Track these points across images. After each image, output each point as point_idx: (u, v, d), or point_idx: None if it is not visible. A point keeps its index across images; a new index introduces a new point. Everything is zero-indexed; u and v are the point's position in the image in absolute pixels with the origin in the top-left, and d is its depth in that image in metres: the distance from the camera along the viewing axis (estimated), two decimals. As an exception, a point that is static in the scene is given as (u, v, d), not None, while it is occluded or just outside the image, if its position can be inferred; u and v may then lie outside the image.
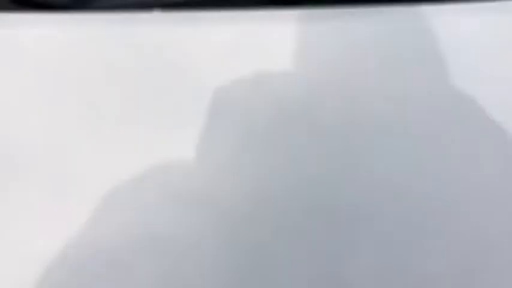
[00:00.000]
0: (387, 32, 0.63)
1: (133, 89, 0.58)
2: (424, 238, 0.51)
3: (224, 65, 0.60)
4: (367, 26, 0.64)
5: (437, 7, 0.64)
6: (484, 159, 0.54)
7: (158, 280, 0.51)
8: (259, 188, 0.54)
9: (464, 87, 0.58)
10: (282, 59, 0.60)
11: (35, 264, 0.51)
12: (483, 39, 0.63)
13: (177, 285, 0.50)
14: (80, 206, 0.54)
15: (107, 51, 0.62)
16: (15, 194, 0.56)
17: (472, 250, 0.50)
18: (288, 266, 0.51)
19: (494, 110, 0.56)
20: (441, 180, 0.54)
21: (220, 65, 0.60)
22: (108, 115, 0.58)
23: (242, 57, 0.61)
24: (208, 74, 0.59)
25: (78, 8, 0.64)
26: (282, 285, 0.50)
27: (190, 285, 0.51)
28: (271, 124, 0.58)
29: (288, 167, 0.55)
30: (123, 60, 0.61)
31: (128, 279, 0.51)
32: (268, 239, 0.52)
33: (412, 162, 0.54)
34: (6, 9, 0.64)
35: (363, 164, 0.54)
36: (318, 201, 0.54)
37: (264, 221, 0.52)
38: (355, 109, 0.57)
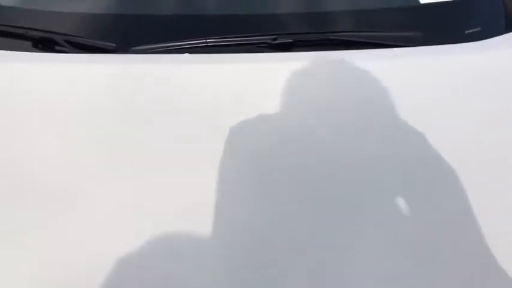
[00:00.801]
0: (359, 71, 0.81)
1: (161, 115, 0.76)
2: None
3: (237, 98, 0.78)
4: (346, 67, 0.82)
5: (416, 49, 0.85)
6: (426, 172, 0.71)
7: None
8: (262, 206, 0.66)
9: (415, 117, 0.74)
10: (279, 93, 0.78)
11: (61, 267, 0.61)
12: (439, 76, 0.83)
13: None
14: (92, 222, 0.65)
15: (144, 85, 0.80)
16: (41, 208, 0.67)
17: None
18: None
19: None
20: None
21: (234, 98, 0.78)
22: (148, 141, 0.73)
23: (252, 92, 0.79)
24: (222, 107, 0.77)
25: (122, 52, 0.85)
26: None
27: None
28: (272, 153, 0.72)
29: (284, 191, 0.68)
30: (155, 91, 0.79)
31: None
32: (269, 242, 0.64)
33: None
34: (70, 52, 0.85)
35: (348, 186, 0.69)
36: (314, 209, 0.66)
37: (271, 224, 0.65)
38: (341, 138, 0.74)
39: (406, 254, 0.63)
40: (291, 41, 0.86)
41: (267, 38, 0.86)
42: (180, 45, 0.85)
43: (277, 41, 0.85)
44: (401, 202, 0.68)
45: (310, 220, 0.66)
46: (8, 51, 0.86)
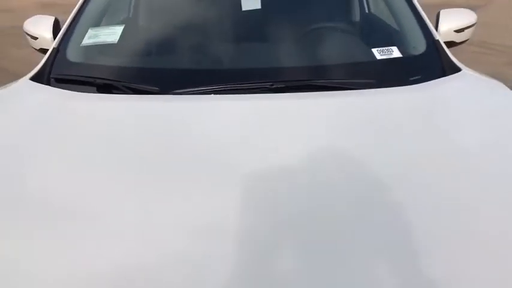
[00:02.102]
0: (351, 108, 1.15)
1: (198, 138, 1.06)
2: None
3: (245, 121, 1.11)
4: (323, 103, 1.16)
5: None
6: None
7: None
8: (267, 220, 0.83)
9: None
10: (281, 126, 1.09)
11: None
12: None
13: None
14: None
15: (179, 114, 1.13)
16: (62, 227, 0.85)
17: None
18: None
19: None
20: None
21: (244, 122, 1.10)
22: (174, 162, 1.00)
23: (256, 118, 1.12)
24: (235, 129, 1.07)
25: (163, 94, 1.20)
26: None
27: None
28: (275, 177, 0.93)
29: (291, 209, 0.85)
30: (187, 118, 1.12)
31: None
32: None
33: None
34: (126, 94, 1.22)
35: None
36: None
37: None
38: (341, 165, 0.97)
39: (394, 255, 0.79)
40: (283, 86, 1.22)
41: (267, 84, 1.23)
42: (207, 89, 1.17)
43: (273, 86, 1.23)
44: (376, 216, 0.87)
45: (307, 228, 0.83)
46: (81, 93, 1.15)
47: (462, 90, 1.27)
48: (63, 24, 1.58)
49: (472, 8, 10.11)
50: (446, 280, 0.72)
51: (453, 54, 5.58)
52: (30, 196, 0.92)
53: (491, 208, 0.89)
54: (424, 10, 1.73)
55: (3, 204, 0.90)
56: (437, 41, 1.46)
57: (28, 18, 8.63)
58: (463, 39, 1.77)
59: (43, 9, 12.36)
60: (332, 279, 0.71)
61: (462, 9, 1.83)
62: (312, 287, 0.70)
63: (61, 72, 1.32)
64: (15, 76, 5.15)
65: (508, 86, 4.45)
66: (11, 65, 5.82)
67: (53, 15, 1.72)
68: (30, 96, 1.23)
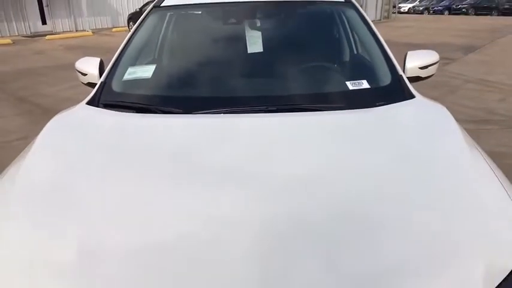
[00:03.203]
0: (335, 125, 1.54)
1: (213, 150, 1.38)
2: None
3: (247, 133, 1.48)
4: (307, 121, 1.56)
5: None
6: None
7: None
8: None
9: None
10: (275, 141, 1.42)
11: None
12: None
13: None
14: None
15: (198, 128, 1.52)
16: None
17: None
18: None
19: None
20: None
21: (247, 133, 1.48)
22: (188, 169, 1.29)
23: (255, 130, 1.48)
24: (241, 139, 1.43)
25: (186, 114, 1.61)
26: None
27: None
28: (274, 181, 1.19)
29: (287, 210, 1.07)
30: (204, 131, 1.50)
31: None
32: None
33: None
34: (158, 113, 1.64)
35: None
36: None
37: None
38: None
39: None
40: (275, 108, 1.60)
41: (263, 107, 1.63)
42: (218, 110, 1.61)
43: (268, 109, 1.62)
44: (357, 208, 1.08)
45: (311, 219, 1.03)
46: (124, 113, 1.57)
47: (409, 111, 1.65)
48: (107, 64, 2.04)
49: (475, 47, 10.55)
50: (394, 241, 0.97)
51: (452, 90, 6.01)
52: (94, 182, 1.21)
53: (423, 198, 1.12)
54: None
55: (79, 189, 1.18)
56: (401, 75, 1.84)
57: (56, 59, 9.33)
58: (428, 75, 2.09)
59: (68, 51, 13.36)
60: (324, 251, 0.94)
61: (427, 50, 2.18)
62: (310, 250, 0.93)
63: (108, 99, 1.76)
64: (47, 110, 5.68)
65: (496, 119, 4.76)
66: (44, 100, 6.41)
67: (98, 57, 2.17)
68: (89, 115, 1.65)
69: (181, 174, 1.23)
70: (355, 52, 2.28)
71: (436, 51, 2.25)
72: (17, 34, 16.68)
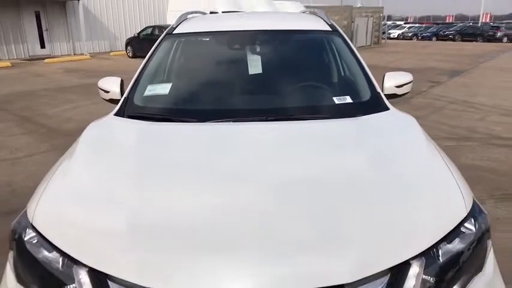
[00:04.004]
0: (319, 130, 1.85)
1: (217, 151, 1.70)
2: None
3: (249, 136, 1.82)
4: (298, 128, 1.89)
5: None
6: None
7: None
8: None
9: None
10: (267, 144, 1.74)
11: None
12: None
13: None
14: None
15: (211, 134, 1.84)
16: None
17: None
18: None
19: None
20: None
21: (249, 136, 1.80)
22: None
23: (257, 135, 1.81)
24: (244, 142, 1.75)
25: (200, 122, 1.94)
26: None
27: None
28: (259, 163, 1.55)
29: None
30: (216, 137, 1.82)
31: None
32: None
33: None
34: (177, 122, 1.99)
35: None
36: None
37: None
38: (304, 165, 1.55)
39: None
40: (273, 118, 1.93)
41: (262, 117, 1.95)
42: (227, 120, 1.93)
43: (267, 118, 1.94)
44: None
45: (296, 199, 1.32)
46: (148, 122, 1.94)
47: (383, 120, 1.97)
48: (127, 82, 2.34)
49: (460, 72, 11.06)
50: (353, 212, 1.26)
51: (436, 110, 6.40)
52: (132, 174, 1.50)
53: (386, 182, 1.39)
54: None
55: (129, 177, 1.46)
56: (378, 92, 2.19)
57: (56, 81, 9.63)
58: (403, 92, 2.46)
59: (67, 74, 13.72)
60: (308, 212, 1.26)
61: (402, 71, 2.52)
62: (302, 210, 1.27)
63: (132, 111, 2.06)
64: (51, 129, 5.94)
65: (479, 137, 5.09)
66: (47, 120, 6.67)
67: (119, 77, 2.46)
68: (116, 125, 1.95)
69: (198, 164, 1.55)
70: (341, 73, 2.61)
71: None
72: (15, 57, 17.04)
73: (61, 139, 5.58)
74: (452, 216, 1.24)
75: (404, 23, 50.89)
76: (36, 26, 17.93)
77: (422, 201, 1.31)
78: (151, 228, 1.20)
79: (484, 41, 30.37)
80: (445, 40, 32.81)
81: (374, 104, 2.08)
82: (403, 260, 1.10)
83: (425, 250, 1.13)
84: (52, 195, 1.41)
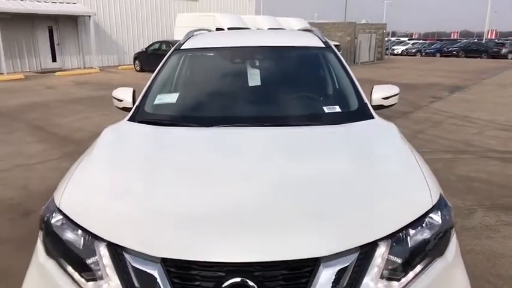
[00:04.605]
0: (313, 135, 2.10)
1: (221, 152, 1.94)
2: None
3: (249, 139, 2.06)
4: (302, 133, 2.12)
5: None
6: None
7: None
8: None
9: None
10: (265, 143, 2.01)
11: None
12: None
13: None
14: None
15: (214, 137, 2.10)
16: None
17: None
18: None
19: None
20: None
21: (250, 139, 2.03)
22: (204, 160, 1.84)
23: (257, 137, 2.07)
24: (244, 143, 1.99)
25: (202, 127, 2.20)
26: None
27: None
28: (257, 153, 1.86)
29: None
30: (218, 140, 2.08)
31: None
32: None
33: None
34: (184, 127, 2.23)
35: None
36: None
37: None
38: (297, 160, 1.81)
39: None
40: (270, 124, 2.16)
41: (261, 123, 2.17)
42: (229, 124, 2.15)
43: (264, 124, 2.16)
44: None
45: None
46: (158, 126, 2.18)
47: (367, 126, 2.21)
48: (138, 93, 2.58)
49: (461, 87, 11.34)
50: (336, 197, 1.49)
51: (434, 124, 6.67)
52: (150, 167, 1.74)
53: (363, 174, 1.62)
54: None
55: (145, 173, 1.68)
56: (365, 103, 2.44)
57: (67, 93, 10.11)
58: (390, 104, 2.69)
59: (77, 86, 14.12)
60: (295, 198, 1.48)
61: (389, 85, 2.75)
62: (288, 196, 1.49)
63: (143, 117, 2.31)
64: (62, 138, 6.22)
65: (475, 150, 5.29)
66: (58, 129, 6.95)
67: (131, 87, 2.71)
68: (130, 128, 2.20)
69: (202, 160, 1.79)
70: (332, 85, 2.83)
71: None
72: (28, 70, 17.56)
73: (71, 147, 5.85)
74: (418, 207, 1.44)
75: (408, 39, 51.36)
76: (48, 40, 18.49)
77: (392, 193, 1.51)
78: (161, 210, 1.41)
79: (488, 58, 30.60)
80: (449, 56, 33.13)
81: (360, 113, 2.30)
82: (371, 240, 1.29)
83: (392, 234, 1.32)
84: (76, 184, 1.63)
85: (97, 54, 19.43)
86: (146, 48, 18.06)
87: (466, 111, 8.59)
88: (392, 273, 1.30)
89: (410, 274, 1.32)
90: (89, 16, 18.62)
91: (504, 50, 30.87)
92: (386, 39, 30.48)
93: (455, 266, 1.43)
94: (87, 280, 1.32)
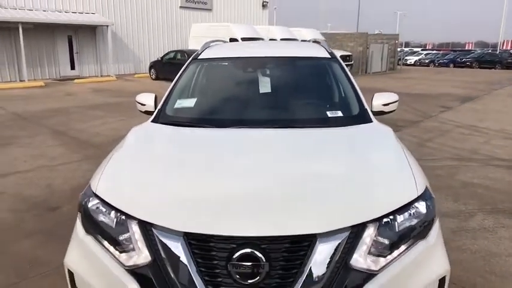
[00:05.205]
0: (313, 136, 2.36)
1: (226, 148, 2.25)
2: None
3: (257, 139, 2.36)
4: (303, 135, 2.38)
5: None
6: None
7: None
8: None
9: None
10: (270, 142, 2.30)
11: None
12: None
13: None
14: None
15: (228, 136, 2.39)
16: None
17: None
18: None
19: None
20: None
21: (258, 139, 2.35)
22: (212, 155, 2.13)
23: (264, 137, 2.36)
24: (254, 142, 2.30)
25: (218, 128, 2.51)
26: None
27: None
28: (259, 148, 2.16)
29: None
30: (231, 138, 2.35)
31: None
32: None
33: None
34: (203, 128, 2.53)
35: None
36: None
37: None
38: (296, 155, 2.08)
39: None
40: (278, 126, 2.41)
41: (270, 125, 2.42)
42: (242, 126, 2.41)
43: (273, 126, 2.42)
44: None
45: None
46: (178, 127, 2.45)
47: (365, 128, 2.45)
48: (160, 98, 2.86)
49: (472, 97, 11.50)
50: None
51: (443, 133, 6.89)
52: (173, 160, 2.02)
53: (357, 169, 1.85)
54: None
55: (171, 166, 1.94)
56: (365, 109, 2.68)
57: (85, 100, 10.68)
58: (390, 110, 2.93)
59: (96, 93, 14.59)
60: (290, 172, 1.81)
61: (389, 92, 2.98)
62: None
63: (165, 120, 2.60)
64: (83, 142, 6.55)
65: (480, 158, 5.43)
66: (79, 134, 7.29)
67: (152, 93, 2.98)
68: (154, 128, 2.48)
69: (218, 155, 2.06)
70: (336, 92, 3.06)
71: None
72: (47, 77, 18.18)
73: (91, 150, 6.16)
74: (404, 196, 1.64)
75: (422, 50, 51.31)
76: (68, 49, 19.14)
77: (381, 184, 1.72)
78: (183, 193, 1.67)
79: (502, 68, 30.41)
80: (463, 67, 32.95)
81: (361, 117, 2.52)
82: (361, 222, 1.50)
83: (379, 217, 1.53)
84: (110, 173, 1.89)
85: (114, 63, 20.00)
86: (162, 57, 18.53)
87: (475, 121, 8.68)
88: (379, 250, 1.51)
89: (395, 252, 1.52)
90: (107, 26, 19.23)
91: (518, 61, 30.64)
92: (399, 49, 30.57)
93: (436, 247, 1.64)
94: (121, 252, 1.56)
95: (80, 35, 19.45)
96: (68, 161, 5.57)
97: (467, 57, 35.03)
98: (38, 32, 17.58)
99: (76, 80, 17.48)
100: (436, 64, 35.93)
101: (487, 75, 23.17)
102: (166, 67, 17.44)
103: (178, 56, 17.40)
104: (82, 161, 5.55)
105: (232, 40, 15.60)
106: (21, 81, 16.59)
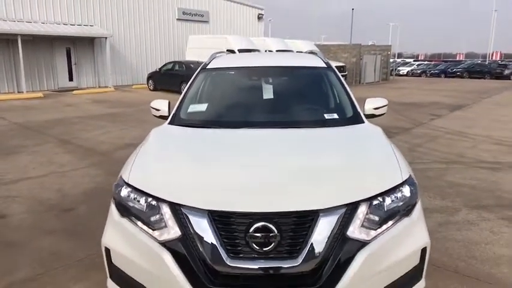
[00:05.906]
0: (310, 135, 2.73)
1: (226, 144, 2.61)
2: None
3: (262, 137, 2.70)
4: (301, 134, 2.76)
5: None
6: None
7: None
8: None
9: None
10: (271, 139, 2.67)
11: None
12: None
13: None
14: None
15: (238, 135, 2.75)
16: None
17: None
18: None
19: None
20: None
21: (261, 138, 2.69)
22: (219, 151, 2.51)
23: (269, 136, 2.71)
24: (258, 140, 2.64)
25: (228, 128, 2.86)
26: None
27: None
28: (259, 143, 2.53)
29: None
30: (241, 137, 2.72)
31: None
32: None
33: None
34: (213, 128, 2.93)
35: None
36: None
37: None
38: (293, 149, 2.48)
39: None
40: (280, 126, 2.76)
41: (273, 125, 2.78)
42: (249, 127, 2.77)
43: (276, 126, 2.78)
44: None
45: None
46: (190, 128, 2.81)
47: (357, 128, 2.79)
48: (173, 104, 3.17)
49: (462, 106, 11.98)
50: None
51: (432, 139, 7.36)
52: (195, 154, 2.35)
53: (349, 160, 2.19)
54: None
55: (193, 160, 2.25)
56: (358, 112, 3.05)
57: (86, 110, 11.09)
58: (380, 113, 3.31)
59: (95, 104, 14.86)
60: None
61: (380, 97, 3.34)
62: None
63: (180, 122, 2.96)
64: (88, 149, 6.83)
65: (467, 161, 5.77)
66: (84, 142, 7.56)
67: (166, 100, 3.30)
68: (172, 129, 2.83)
69: (231, 151, 2.39)
70: (332, 98, 3.41)
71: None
72: (46, 89, 18.41)
73: (97, 157, 6.43)
74: (390, 181, 1.96)
75: (414, 61, 52.24)
76: (66, 60, 19.44)
77: (371, 171, 2.04)
78: (205, 178, 1.99)
79: (491, 78, 31.13)
80: (453, 77, 33.69)
81: (354, 119, 2.87)
82: (355, 201, 1.81)
83: (369, 198, 1.84)
84: (139, 165, 2.19)
85: (111, 74, 20.29)
86: (160, 69, 18.83)
87: (463, 128, 9.08)
88: (371, 225, 1.82)
89: (384, 226, 1.83)
90: (106, 38, 19.59)
91: (507, 71, 31.43)
92: (391, 60, 31.23)
93: (418, 223, 1.96)
94: (154, 230, 1.85)
95: (78, 47, 19.77)
96: (75, 168, 5.83)
97: (458, 67, 35.83)
98: (36, 43, 17.88)
99: (74, 91, 17.74)
100: (428, 74, 36.66)
101: (477, 85, 23.78)
102: (164, 78, 17.77)
103: (176, 67, 17.71)
104: (89, 167, 5.81)
105: (229, 51, 15.89)
106: (19, 92, 16.81)
